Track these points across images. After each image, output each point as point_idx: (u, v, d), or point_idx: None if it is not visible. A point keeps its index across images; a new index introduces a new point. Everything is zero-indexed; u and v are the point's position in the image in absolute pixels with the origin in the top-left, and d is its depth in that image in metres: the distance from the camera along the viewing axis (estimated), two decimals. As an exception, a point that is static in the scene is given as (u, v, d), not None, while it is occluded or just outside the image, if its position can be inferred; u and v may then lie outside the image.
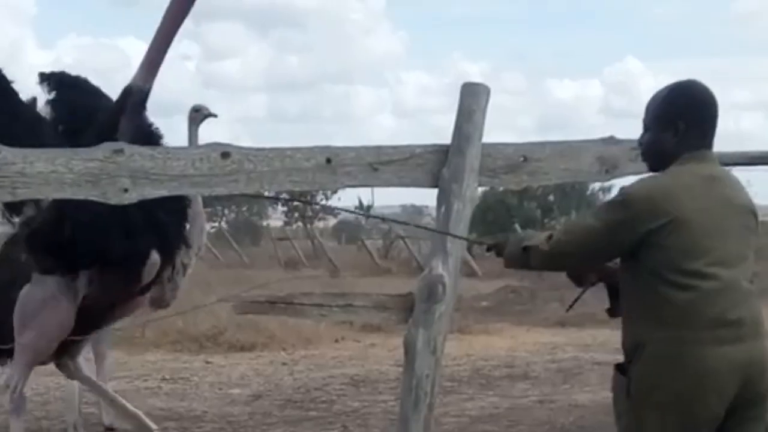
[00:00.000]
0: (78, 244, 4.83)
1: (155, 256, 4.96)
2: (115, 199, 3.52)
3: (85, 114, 5.17)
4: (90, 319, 5.39)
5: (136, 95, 4.64)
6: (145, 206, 4.62)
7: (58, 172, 3.44)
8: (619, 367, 3.09)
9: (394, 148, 3.96)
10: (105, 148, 3.52)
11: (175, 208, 5.05)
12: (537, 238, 3.21)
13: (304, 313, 4.48)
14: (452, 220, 4.01)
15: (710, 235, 2.94)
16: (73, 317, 5.13)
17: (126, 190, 3.52)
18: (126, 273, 5.01)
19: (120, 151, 3.51)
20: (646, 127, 3.17)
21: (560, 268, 3.35)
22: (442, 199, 4.03)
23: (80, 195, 3.48)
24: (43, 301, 5.13)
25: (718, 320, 2.91)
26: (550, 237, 3.15)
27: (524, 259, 3.24)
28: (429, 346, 4.01)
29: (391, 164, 3.91)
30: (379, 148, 3.93)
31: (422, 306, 4.02)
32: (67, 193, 3.46)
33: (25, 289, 5.21)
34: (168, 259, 5.14)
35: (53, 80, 5.40)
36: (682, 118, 3.06)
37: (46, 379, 9.07)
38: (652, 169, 3.19)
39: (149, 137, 4.81)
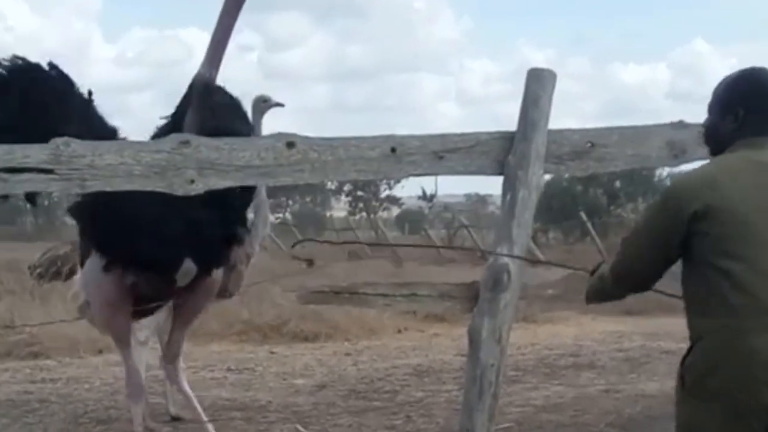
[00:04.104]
0: (110, 243, 4.93)
1: (189, 265, 5.00)
2: (181, 190, 3.55)
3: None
4: (149, 302, 5.46)
5: (199, 86, 4.68)
6: (190, 212, 4.68)
7: (126, 164, 3.48)
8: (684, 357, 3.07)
9: (459, 135, 3.93)
10: (172, 140, 3.55)
11: (232, 207, 5.06)
12: (606, 266, 3.24)
13: (368, 302, 4.49)
14: (518, 208, 3.98)
15: (756, 220, 2.89)
16: (123, 295, 5.19)
17: (192, 182, 3.55)
18: (159, 275, 5.08)
19: (186, 143, 3.55)
20: (710, 110, 3.17)
21: (634, 287, 3.26)
22: (507, 187, 4.00)
23: (148, 186, 3.52)
24: (92, 279, 5.25)
25: (764, 307, 2.85)
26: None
27: (600, 291, 3.32)
28: (494, 335, 3.99)
29: (457, 152, 3.90)
30: (443, 136, 3.92)
31: (487, 295, 4.00)
32: (136, 185, 3.50)
33: (86, 264, 5.34)
34: (205, 268, 5.18)
35: None
36: (742, 105, 3.04)
37: (114, 369, 9.23)
38: (711, 153, 3.18)
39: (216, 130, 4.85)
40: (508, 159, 3.97)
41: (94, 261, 5.21)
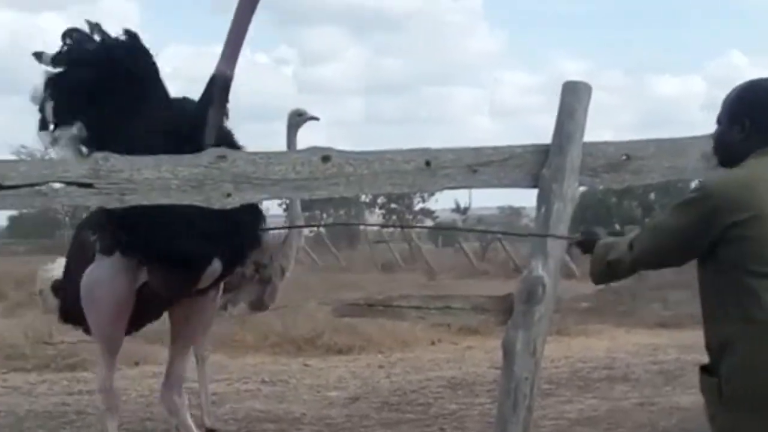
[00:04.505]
0: (141, 238, 4.85)
1: (217, 264, 4.96)
2: (218, 204, 3.60)
3: None
4: (149, 309, 5.42)
5: (220, 82, 4.68)
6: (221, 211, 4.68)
7: (164, 178, 3.53)
8: (706, 369, 3.07)
9: (494, 149, 3.95)
10: (209, 154, 3.60)
11: (252, 213, 5.04)
12: (618, 249, 3.23)
13: (402, 315, 4.50)
14: (552, 221, 3.98)
15: None
16: (131, 298, 5.13)
17: (229, 195, 3.59)
18: (184, 274, 5.01)
19: (223, 157, 3.59)
20: (719, 121, 3.19)
21: (647, 270, 3.43)
22: (542, 200, 4.01)
23: (185, 200, 3.57)
24: (101, 280, 5.15)
25: None
26: (631, 246, 3.17)
27: (610, 274, 3.34)
28: (528, 347, 3.99)
29: (491, 165, 3.91)
30: (478, 150, 3.94)
31: (522, 307, 4.01)
32: (173, 199, 3.55)
33: (88, 269, 5.27)
34: (230, 268, 5.14)
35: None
36: (748, 115, 3.07)
37: (151, 381, 9.29)
38: (720, 163, 3.22)
39: (226, 135, 4.85)
40: (543, 172, 3.97)
41: (105, 263, 5.14)
